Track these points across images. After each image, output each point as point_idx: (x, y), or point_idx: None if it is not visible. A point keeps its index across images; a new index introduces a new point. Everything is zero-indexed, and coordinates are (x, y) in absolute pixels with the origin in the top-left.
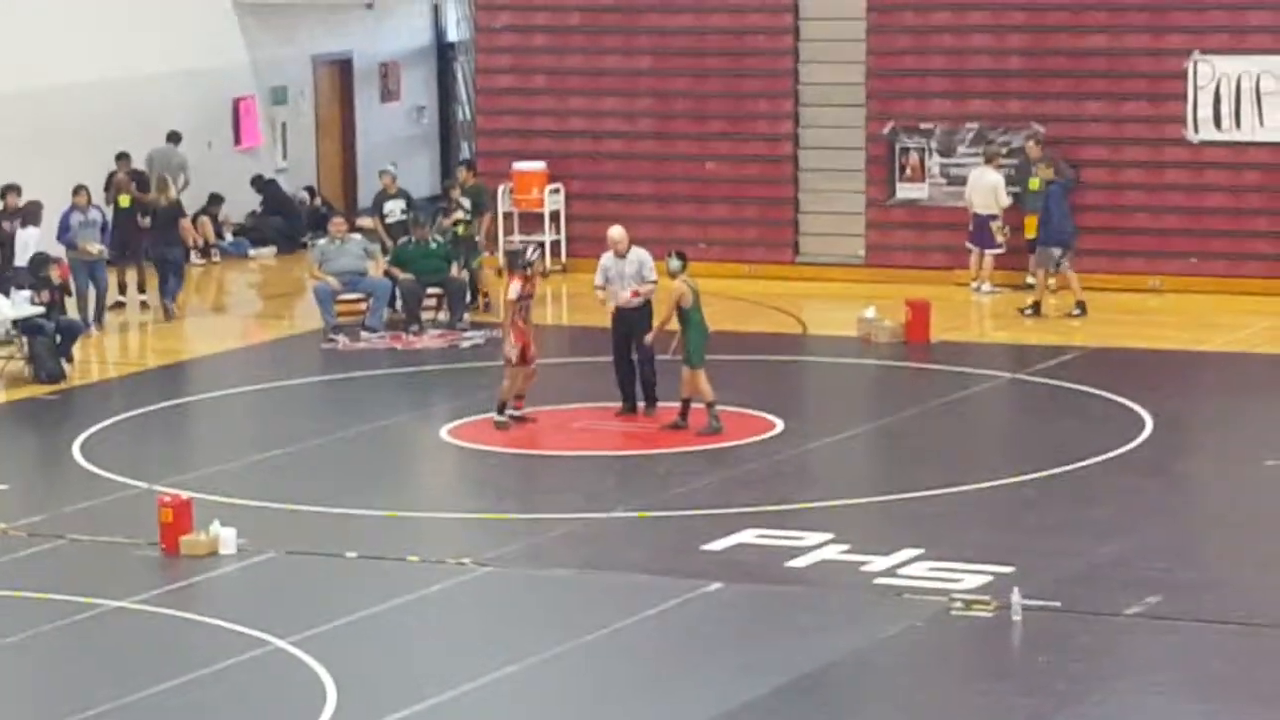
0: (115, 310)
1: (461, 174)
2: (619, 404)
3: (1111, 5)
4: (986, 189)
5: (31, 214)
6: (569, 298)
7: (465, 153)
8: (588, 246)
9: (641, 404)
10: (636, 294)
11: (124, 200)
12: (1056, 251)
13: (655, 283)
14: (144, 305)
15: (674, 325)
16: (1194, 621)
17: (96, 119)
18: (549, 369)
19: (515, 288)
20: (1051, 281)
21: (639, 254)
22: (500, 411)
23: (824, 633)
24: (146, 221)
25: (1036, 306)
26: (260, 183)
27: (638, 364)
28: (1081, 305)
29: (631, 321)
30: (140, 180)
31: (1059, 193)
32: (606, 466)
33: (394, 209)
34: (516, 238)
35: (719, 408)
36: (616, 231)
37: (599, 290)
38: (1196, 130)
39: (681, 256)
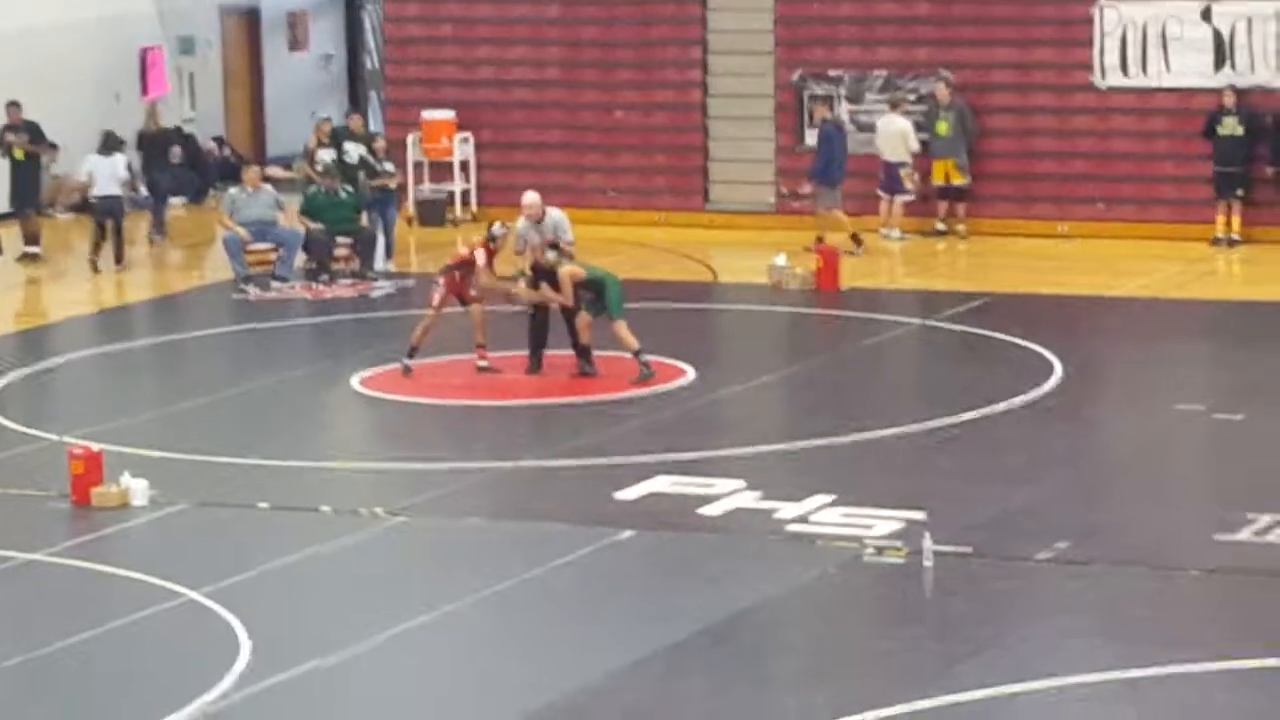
0: (25, 262)
1: (354, 121)
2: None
3: None
4: (895, 135)
5: (112, 143)
6: None
7: (374, 101)
8: (498, 195)
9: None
10: (553, 245)
11: (18, 153)
12: (825, 190)
13: (573, 242)
14: (35, 257)
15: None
16: (1105, 565)
17: None
18: (459, 317)
19: (481, 255)
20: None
21: (554, 216)
22: (410, 356)
23: (737, 580)
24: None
25: (857, 239)
26: (180, 135)
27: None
28: (856, 239)
29: (549, 282)
30: (34, 131)
31: (830, 133)
32: (518, 416)
33: (324, 158)
34: (427, 187)
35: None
36: (530, 197)
37: (518, 255)
38: (1104, 76)
39: (554, 246)
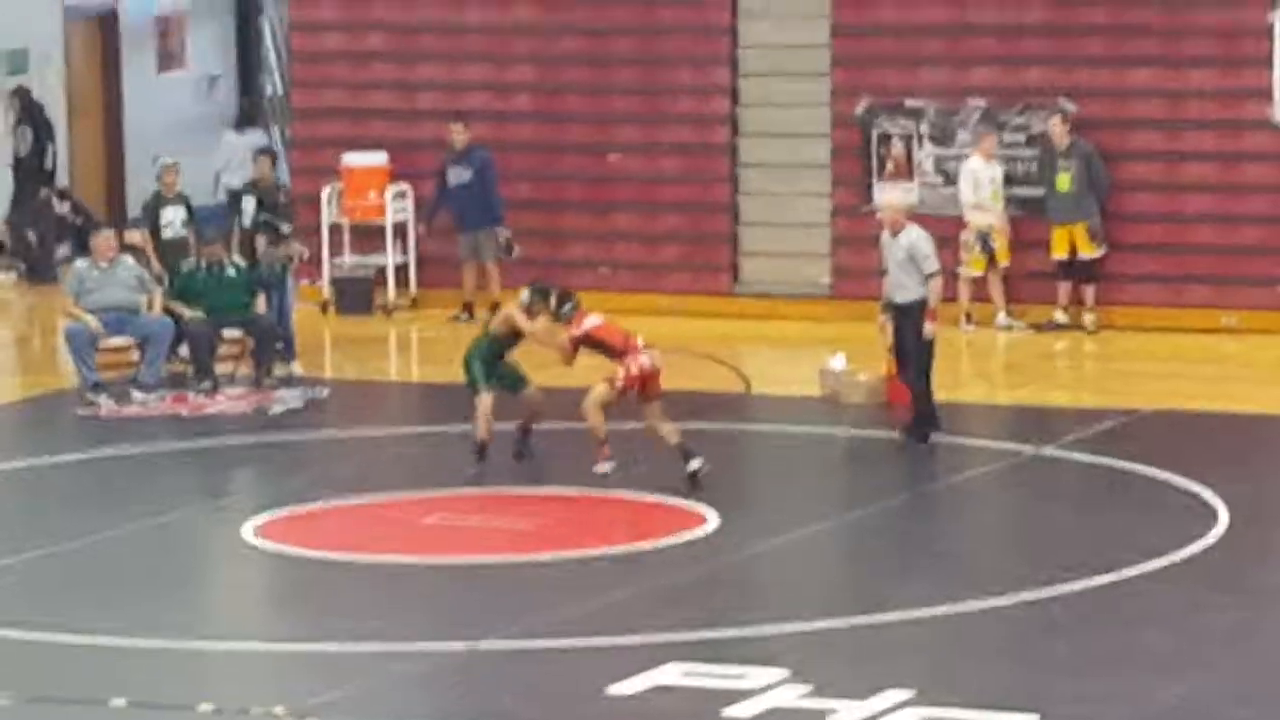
0: None
1: (262, 168)
2: None
3: None
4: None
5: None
6: (420, 344)
7: (276, 139)
8: (446, 272)
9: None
10: None
11: None
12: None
13: (936, 272)
14: None
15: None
16: None
17: None
18: (392, 441)
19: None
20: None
21: (914, 235)
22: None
23: None
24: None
25: (469, 309)
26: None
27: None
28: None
29: (900, 322)
30: None
31: (487, 160)
32: (475, 578)
33: (174, 219)
34: (347, 260)
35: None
36: (892, 196)
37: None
38: None
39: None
